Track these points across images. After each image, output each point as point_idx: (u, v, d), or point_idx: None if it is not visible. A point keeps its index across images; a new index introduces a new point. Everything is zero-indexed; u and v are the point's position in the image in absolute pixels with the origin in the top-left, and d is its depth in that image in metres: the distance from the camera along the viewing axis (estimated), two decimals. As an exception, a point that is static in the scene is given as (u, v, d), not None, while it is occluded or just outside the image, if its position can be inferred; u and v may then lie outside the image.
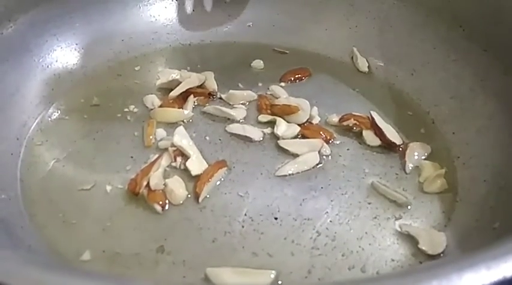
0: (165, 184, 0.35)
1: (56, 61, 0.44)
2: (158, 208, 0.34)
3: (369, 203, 0.35)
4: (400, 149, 0.39)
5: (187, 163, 0.36)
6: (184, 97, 0.42)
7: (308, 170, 0.37)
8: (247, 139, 0.39)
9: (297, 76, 0.46)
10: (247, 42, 0.50)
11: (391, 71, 0.46)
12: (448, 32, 0.44)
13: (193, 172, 0.36)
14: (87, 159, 0.38)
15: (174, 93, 0.42)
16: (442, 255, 0.32)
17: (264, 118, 0.41)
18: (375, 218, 0.34)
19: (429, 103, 0.43)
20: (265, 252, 0.32)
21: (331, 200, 0.35)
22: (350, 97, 0.44)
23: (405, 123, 0.41)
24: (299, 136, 0.40)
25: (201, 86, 0.44)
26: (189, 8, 0.50)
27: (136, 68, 0.46)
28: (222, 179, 0.36)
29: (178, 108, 0.41)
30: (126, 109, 0.42)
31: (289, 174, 0.37)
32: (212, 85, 0.44)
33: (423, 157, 0.38)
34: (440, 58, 0.44)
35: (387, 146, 0.39)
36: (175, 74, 0.44)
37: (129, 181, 0.35)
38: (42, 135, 0.40)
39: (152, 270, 0.31)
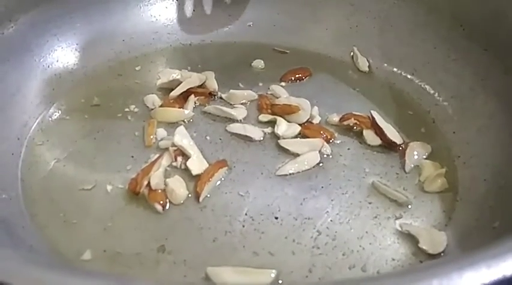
0: (165, 184, 0.35)
1: (57, 61, 0.44)
2: (159, 207, 0.34)
3: (370, 203, 0.35)
4: (401, 148, 0.39)
5: (188, 163, 0.36)
6: (184, 97, 0.42)
7: (308, 169, 0.37)
8: (247, 139, 0.39)
9: (297, 76, 0.46)
10: (247, 42, 0.50)
11: (391, 71, 0.46)
12: (448, 32, 0.44)
13: (194, 172, 0.36)
14: (88, 159, 0.38)
15: (175, 93, 0.42)
16: (442, 254, 0.32)
17: (264, 117, 0.41)
18: (376, 217, 0.34)
19: (430, 102, 0.43)
20: (265, 252, 0.32)
21: (332, 200, 0.35)
22: (350, 97, 0.44)
23: (406, 122, 0.41)
24: (299, 136, 0.40)
25: (201, 86, 0.44)
26: (188, 11, 0.50)
27: (137, 68, 0.46)
28: (223, 178, 0.36)
29: (179, 107, 0.41)
30: (126, 109, 0.42)
31: (290, 174, 0.37)
32: (213, 85, 0.44)
33: (423, 157, 0.38)
34: (440, 57, 0.44)
35: (388, 145, 0.39)
36: (175, 74, 0.44)
37: (129, 180, 0.35)
38: (43, 135, 0.40)
39: (153, 270, 0.31)
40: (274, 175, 0.37)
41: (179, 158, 0.37)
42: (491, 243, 0.22)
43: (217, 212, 0.34)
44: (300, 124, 0.40)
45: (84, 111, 0.42)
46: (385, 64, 0.47)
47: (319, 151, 0.38)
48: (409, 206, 0.35)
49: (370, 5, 0.48)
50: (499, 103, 0.39)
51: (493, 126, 0.38)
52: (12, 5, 0.41)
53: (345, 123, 0.40)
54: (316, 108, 0.41)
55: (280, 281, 0.30)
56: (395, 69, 0.46)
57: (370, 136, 0.39)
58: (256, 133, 0.39)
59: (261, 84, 0.45)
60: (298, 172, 0.37)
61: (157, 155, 0.37)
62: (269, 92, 0.44)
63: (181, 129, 0.38)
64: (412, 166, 0.37)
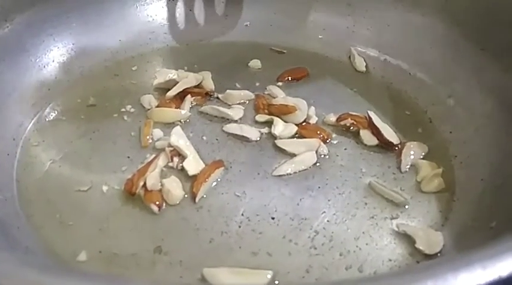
0: (161, 184, 0.35)
1: (53, 61, 0.44)
2: (155, 208, 0.34)
3: (366, 203, 0.35)
4: (398, 148, 0.39)
5: (184, 163, 0.36)
6: (181, 97, 0.42)
7: (305, 170, 0.37)
8: (244, 139, 0.39)
9: (294, 76, 0.46)
10: (244, 42, 0.50)
11: (388, 71, 0.46)
12: (445, 31, 0.44)
13: (190, 172, 0.36)
14: (84, 159, 0.38)
15: (171, 93, 0.42)
16: (439, 254, 0.32)
17: (261, 118, 0.41)
18: (372, 217, 0.34)
19: (426, 102, 0.43)
20: (262, 253, 0.32)
21: (329, 200, 0.35)
22: (347, 97, 0.44)
23: (403, 122, 0.41)
24: (296, 136, 0.40)
25: (198, 86, 0.43)
26: (181, 15, 0.50)
27: (133, 68, 0.46)
28: (219, 179, 0.36)
29: (175, 108, 0.41)
30: (123, 109, 0.42)
31: (287, 174, 0.37)
32: (209, 85, 0.44)
33: (420, 157, 0.38)
34: (437, 57, 0.44)
35: (384, 145, 0.39)
36: (172, 74, 0.44)
37: (125, 181, 0.35)
38: (38, 135, 0.39)
39: (149, 271, 0.31)
40: (271, 176, 0.37)
41: (175, 159, 0.37)
42: (488, 243, 0.22)
43: (214, 212, 0.34)
44: (296, 124, 0.40)
45: (80, 111, 0.42)
46: (382, 64, 0.47)
47: (316, 151, 0.38)
48: (406, 207, 0.35)
49: (367, 5, 0.48)
50: (496, 102, 0.39)
51: (490, 126, 0.38)
52: (8, 4, 0.41)
53: (342, 123, 0.40)
54: (313, 108, 0.41)
55: (276, 282, 0.30)
56: (392, 69, 0.46)
57: (367, 136, 0.39)
58: (252, 133, 0.39)
59: (257, 84, 0.45)
60: (295, 172, 0.37)
61: (153, 155, 0.37)
62: (266, 92, 0.44)
63: (177, 129, 0.38)
64: (409, 166, 0.37)
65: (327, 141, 0.39)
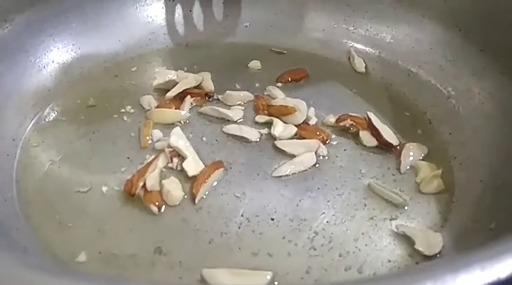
0: (161, 185, 0.35)
1: (53, 61, 0.44)
2: (154, 209, 0.34)
3: (366, 204, 0.35)
4: (397, 149, 0.39)
5: (184, 164, 0.36)
6: (181, 97, 0.42)
7: (305, 170, 0.37)
8: (244, 140, 0.39)
9: (294, 76, 0.46)
10: (244, 43, 0.50)
11: (388, 72, 0.46)
12: (444, 32, 0.44)
13: (190, 173, 0.36)
14: (83, 160, 0.38)
15: (171, 94, 0.42)
16: (438, 255, 0.32)
17: (260, 118, 0.41)
18: (372, 218, 0.34)
19: (426, 103, 0.43)
20: (261, 253, 0.32)
21: (328, 201, 0.35)
22: (347, 98, 0.44)
23: (402, 123, 0.41)
24: (296, 137, 0.40)
25: (197, 87, 0.43)
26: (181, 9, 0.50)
27: (133, 69, 0.46)
28: (219, 180, 0.36)
29: (175, 108, 0.41)
30: (122, 110, 0.42)
31: (286, 175, 0.37)
32: (209, 85, 0.44)
33: (420, 158, 0.38)
34: (437, 58, 0.44)
35: (384, 146, 0.39)
36: (172, 75, 0.44)
37: (125, 182, 0.35)
38: (38, 136, 0.39)
39: (148, 272, 0.31)
40: (271, 176, 0.37)
41: (175, 160, 0.37)
42: (487, 244, 0.22)
43: (213, 213, 0.34)
44: (296, 125, 0.40)
45: (80, 112, 0.42)
46: (382, 65, 0.47)
47: (316, 152, 0.38)
48: (405, 208, 0.35)
49: (366, 6, 0.48)
50: (495, 104, 0.39)
51: (489, 127, 0.38)
52: (7, 5, 0.41)
53: (341, 124, 0.40)
54: (312, 109, 0.41)
55: (276, 283, 0.30)
56: (391, 70, 0.46)
57: (366, 137, 0.39)
58: (252, 134, 0.39)
59: (257, 85, 0.45)
60: (295, 173, 0.37)
61: (153, 156, 0.37)
62: (265, 93, 0.44)
63: (177, 130, 0.38)
64: (408, 167, 0.37)
65: (327, 142, 0.39)
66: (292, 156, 0.38)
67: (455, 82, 0.42)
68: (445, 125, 0.41)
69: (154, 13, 0.50)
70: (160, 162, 0.36)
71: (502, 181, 0.34)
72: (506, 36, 0.39)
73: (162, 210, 0.34)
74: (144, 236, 0.33)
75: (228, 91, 0.43)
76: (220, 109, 0.41)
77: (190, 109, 0.42)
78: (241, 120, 0.41)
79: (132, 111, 0.42)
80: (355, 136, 0.40)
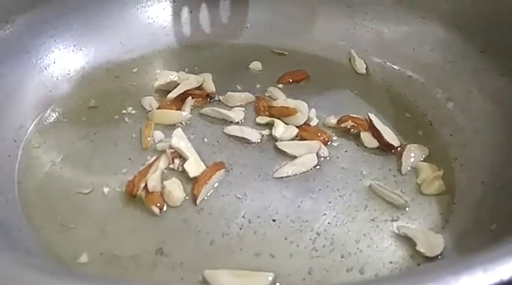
0: (162, 186, 0.35)
1: (54, 63, 0.44)
2: (156, 210, 0.34)
3: (367, 205, 0.35)
4: (398, 151, 0.39)
5: (185, 165, 0.36)
6: (182, 99, 0.42)
7: (306, 172, 0.37)
8: (245, 141, 0.39)
9: (294, 78, 0.46)
10: (245, 44, 0.50)
11: (388, 73, 0.46)
12: (445, 34, 0.44)
13: (191, 174, 0.36)
14: (85, 161, 0.38)
15: (172, 95, 0.42)
16: (439, 257, 0.32)
17: (262, 120, 0.41)
18: (373, 220, 0.34)
19: (427, 105, 0.43)
20: (263, 255, 0.32)
21: (329, 202, 0.35)
22: (348, 99, 0.44)
23: (403, 124, 0.41)
24: (297, 138, 0.40)
25: (199, 88, 0.44)
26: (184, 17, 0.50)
27: (134, 70, 0.46)
28: (220, 181, 0.36)
29: (176, 109, 0.41)
30: (123, 111, 0.42)
31: (287, 176, 0.37)
32: (210, 87, 0.44)
33: (421, 159, 0.38)
34: (438, 60, 0.44)
35: (385, 148, 0.39)
36: (173, 76, 0.44)
37: (126, 183, 0.35)
38: (39, 137, 0.39)
39: (150, 273, 0.31)
40: (272, 178, 0.37)
41: (176, 161, 0.37)
42: (489, 246, 0.22)
43: (215, 214, 0.34)
44: (297, 127, 0.40)
45: (81, 113, 0.42)
46: (383, 67, 0.47)
47: (317, 154, 0.38)
48: (407, 209, 0.35)
49: (367, 7, 0.48)
50: (496, 105, 0.39)
51: (490, 128, 0.38)
52: (9, 6, 0.41)
53: (343, 125, 0.40)
54: (313, 110, 0.41)
55: (277, 284, 0.30)
56: (392, 72, 0.46)
57: (367, 138, 0.39)
58: (253, 135, 0.39)
59: (258, 86, 0.45)
60: (296, 175, 0.37)
61: (154, 157, 0.37)
62: (266, 94, 0.44)
63: (178, 131, 0.38)
64: (409, 168, 0.37)
65: (328, 143, 0.39)
66: (294, 157, 0.38)
67: (456, 84, 0.42)
68: (446, 126, 0.41)
69: (156, 14, 0.50)
70: (162, 163, 0.36)
71: (502, 182, 0.34)
72: (507, 37, 0.39)
73: (164, 211, 0.34)
74: (145, 237, 0.33)
75: (229, 93, 0.43)
76: (222, 110, 0.41)
77: (191, 110, 0.42)
78: (242, 121, 0.41)
79: (133, 112, 0.42)
80: (356, 138, 0.40)
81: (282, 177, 0.37)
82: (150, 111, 0.41)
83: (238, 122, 0.41)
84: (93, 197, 0.35)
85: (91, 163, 0.37)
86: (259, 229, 0.33)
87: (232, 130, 0.40)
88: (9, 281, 0.21)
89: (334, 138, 0.40)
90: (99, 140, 0.39)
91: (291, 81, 0.46)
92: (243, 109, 0.42)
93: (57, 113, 0.42)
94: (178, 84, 0.42)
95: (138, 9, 0.49)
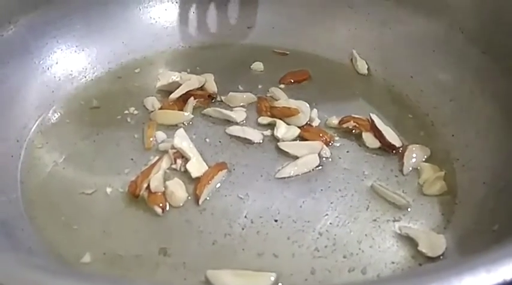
0: (165, 186, 0.35)
1: (56, 63, 0.44)
2: (158, 210, 0.34)
3: (369, 206, 0.35)
4: (400, 151, 0.39)
5: (188, 165, 0.36)
6: (184, 99, 0.42)
7: (308, 172, 0.37)
8: (247, 141, 0.39)
9: (296, 78, 0.46)
10: (247, 44, 0.50)
11: (390, 73, 0.46)
12: (447, 34, 0.44)
13: (194, 174, 0.36)
14: (87, 161, 0.38)
15: (174, 95, 0.42)
16: (441, 257, 0.32)
17: (263, 120, 0.41)
18: (375, 220, 0.34)
19: (429, 105, 0.43)
20: (265, 255, 0.32)
21: (331, 203, 0.35)
22: (350, 100, 0.44)
23: (405, 125, 0.41)
24: (299, 139, 0.40)
25: (201, 88, 0.44)
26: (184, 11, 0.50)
27: (136, 70, 0.47)
28: (222, 181, 0.36)
29: (179, 110, 0.42)
30: (126, 112, 0.42)
31: (289, 176, 0.37)
32: (212, 87, 0.44)
33: (422, 160, 0.38)
34: (439, 60, 0.44)
35: (387, 148, 0.39)
36: (175, 76, 0.44)
37: (129, 183, 0.35)
38: (42, 137, 0.40)
39: (152, 273, 0.31)
40: (274, 178, 0.37)
41: (179, 161, 0.37)
42: (491, 246, 0.22)
43: (217, 214, 0.34)
44: (299, 127, 0.40)
45: (84, 114, 0.42)
46: (384, 67, 0.47)
47: (319, 154, 0.38)
48: (408, 209, 0.35)
49: (368, 8, 0.48)
50: (498, 105, 0.39)
51: (491, 129, 0.38)
52: (11, 7, 0.41)
53: (344, 125, 0.40)
54: (315, 110, 0.41)
55: (280, 284, 0.30)
56: (394, 72, 0.46)
57: (369, 138, 0.39)
58: (255, 135, 0.40)
59: (260, 87, 0.45)
60: (298, 175, 0.37)
61: (156, 157, 0.37)
62: (268, 94, 0.44)
63: (180, 132, 0.38)
64: (411, 168, 0.38)
65: (330, 144, 0.39)
66: (295, 158, 0.38)
67: (458, 85, 0.42)
68: (448, 127, 0.41)
69: (158, 15, 0.50)
70: (164, 163, 0.37)
71: (504, 183, 0.34)
72: (509, 38, 0.39)
73: (166, 211, 0.34)
74: (148, 237, 0.33)
75: (231, 93, 0.43)
76: (224, 111, 0.41)
77: (193, 110, 0.42)
78: (244, 121, 0.41)
79: (135, 112, 0.42)
80: (358, 138, 0.40)
81: (284, 177, 0.37)
82: (152, 112, 0.41)
83: (240, 122, 0.41)
84: (95, 198, 0.35)
85: (93, 163, 0.38)
86: (261, 229, 0.33)
87: (234, 130, 0.40)
88: (12, 280, 0.21)
89: (336, 138, 0.40)
90: (102, 140, 0.39)
91: (292, 81, 0.46)
92: (245, 109, 0.42)
93: (59, 113, 0.42)
94: (181, 85, 0.43)
95: (140, 10, 0.49)
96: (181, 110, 0.42)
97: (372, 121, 0.40)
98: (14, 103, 0.40)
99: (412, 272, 0.31)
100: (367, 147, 0.39)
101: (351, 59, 0.48)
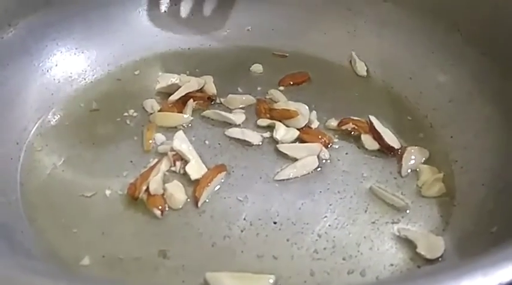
0: (164, 189, 0.35)
1: (56, 65, 0.44)
2: (157, 212, 0.34)
3: (368, 208, 0.35)
4: (399, 153, 0.39)
5: (187, 168, 0.36)
6: (183, 101, 0.42)
7: (307, 174, 0.37)
8: (246, 144, 0.40)
9: (295, 80, 0.46)
10: (246, 46, 0.50)
11: (389, 75, 0.46)
12: (445, 36, 0.44)
13: (193, 177, 0.36)
14: (87, 164, 0.38)
15: (174, 97, 0.42)
16: (440, 259, 0.32)
17: (263, 122, 0.41)
18: (374, 222, 0.34)
19: (427, 107, 0.43)
20: (264, 257, 0.32)
21: (330, 205, 0.35)
22: (349, 101, 0.44)
23: (404, 127, 0.41)
24: (298, 141, 0.40)
25: (200, 90, 0.44)
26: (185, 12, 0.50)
27: (135, 72, 0.47)
28: (222, 183, 0.36)
29: (178, 112, 0.42)
30: (125, 114, 0.42)
31: (288, 178, 0.37)
32: (211, 89, 0.44)
33: (421, 161, 0.38)
34: (438, 62, 0.44)
35: (386, 150, 0.39)
36: (174, 78, 0.44)
37: (128, 185, 0.35)
38: (42, 140, 0.40)
39: (152, 275, 0.31)
40: (273, 180, 0.37)
41: (178, 163, 0.37)
42: (489, 249, 0.22)
43: (216, 217, 0.34)
44: (298, 129, 0.40)
45: (83, 116, 0.42)
46: (383, 69, 0.47)
47: (318, 156, 0.38)
48: (407, 211, 0.35)
49: (367, 10, 0.48)
50: (497, 107, 0.39)
51: (490, 130, 0.38)
52: (11, 9, 0.41)
53: (343, 127, 0.40)
54: (314, 112, 0.42)
55: (278, 286, 0.30)
56: (393, 74, 0.46)
57: (368, 140, 0.39)
58: (254, 137, 0.40)
59: (259, 89, 0.45)
60: (297, 177, 0.37)
61: (156, 160, 0.37)
62: (267, 96, 0.44)
63: (180, 134, 0.39)
64: (409, 170, 0.38)
65: (329, 146, 0.39)
66: (295, 160, 0.38)
67: (457, 86, 0.42)
68: (447, 129, 0.41)
69: (157, 17, 0.50)
70: (163, 166, 0.37)
71: (503, 185, 0.34)
72: (508, 39, 0.39)
73: (165, 214, 0.34)
74: (147, 239, 0.33)
75: (230, 95, 0.43)
76: (223, 113, 0.41)
77: (192, 112, 0.42)
78: (243, 123, 0.41)
79: (135, 114, 0.42)
80: (357, 140, 0.40)
81: (283, 179, 0.37)
82: (151, 114, 0.42)
83: (239, 124, 0.41)
84: (95, 200, 0.35)
85: (93, 165, 0.38)
86: (260, 231, 0.34)
87: (233, 132, 0.40)
88: (11, 283, 0.21)
89: (335, 140, 0.40)
90: (101, 143, 0.39)
91: (291, 83, 0.46)
92: (244, 111, 0.42)
93: (59, 116, 0.42)
94: (180, 87, 0.43)
95: (139, 12, 0.49)
96: (181, 112, 0.42)
97: (371, 123, 0.40)
98: (14, 105, 0.40)
99: (409, 274, 0.31)
100: (366, 149, 0.39)
101: (350, 61, 0.48)
